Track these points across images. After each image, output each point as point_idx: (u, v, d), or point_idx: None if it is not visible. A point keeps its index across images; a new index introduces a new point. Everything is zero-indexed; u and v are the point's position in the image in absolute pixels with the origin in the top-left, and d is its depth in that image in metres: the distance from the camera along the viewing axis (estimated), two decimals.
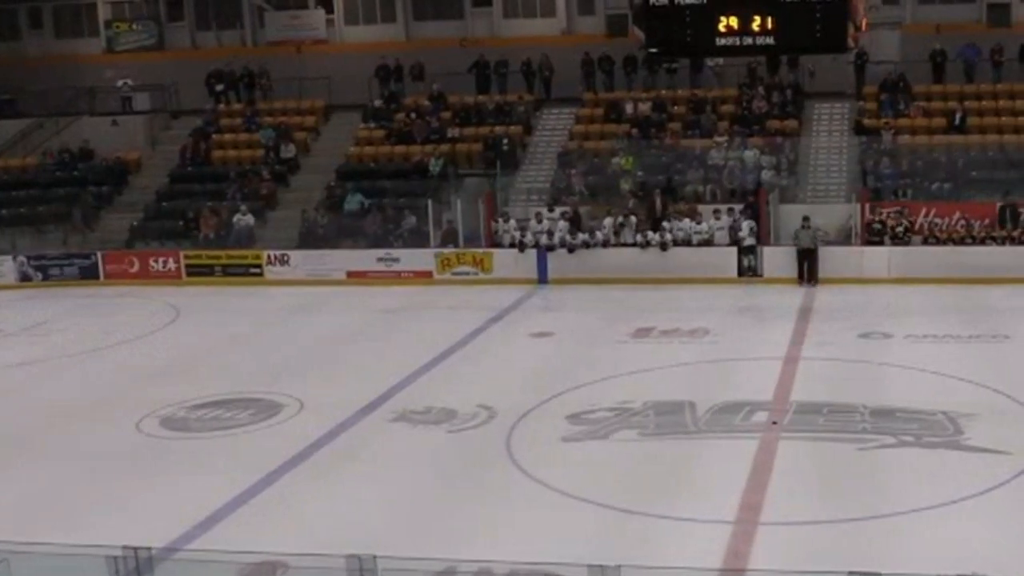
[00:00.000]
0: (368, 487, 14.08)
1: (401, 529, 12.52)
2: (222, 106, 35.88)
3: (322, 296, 26.47)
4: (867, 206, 26.94)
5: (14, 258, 29.93)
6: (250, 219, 30.12)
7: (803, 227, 26.02)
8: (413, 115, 33.35)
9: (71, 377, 20.51)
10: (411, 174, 31.40)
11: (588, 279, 26.38)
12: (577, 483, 13.69)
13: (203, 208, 30.68)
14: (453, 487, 13.99)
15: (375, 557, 8.93)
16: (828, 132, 31.45)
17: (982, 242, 26.07)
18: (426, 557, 10.28)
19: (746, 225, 26.70)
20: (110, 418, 17.45)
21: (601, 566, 8.56)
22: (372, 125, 33.84)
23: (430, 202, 28.75)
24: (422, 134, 32.61)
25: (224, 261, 29.16)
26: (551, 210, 28.19)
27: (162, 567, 10.15)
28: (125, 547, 9.16)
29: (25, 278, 29.83)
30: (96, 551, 9.23)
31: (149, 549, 9.64)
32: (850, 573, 8.60)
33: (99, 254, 29.95)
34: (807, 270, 25.76)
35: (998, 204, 26.51)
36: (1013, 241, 25.84)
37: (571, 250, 27.05)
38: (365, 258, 28.37)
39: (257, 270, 28.73)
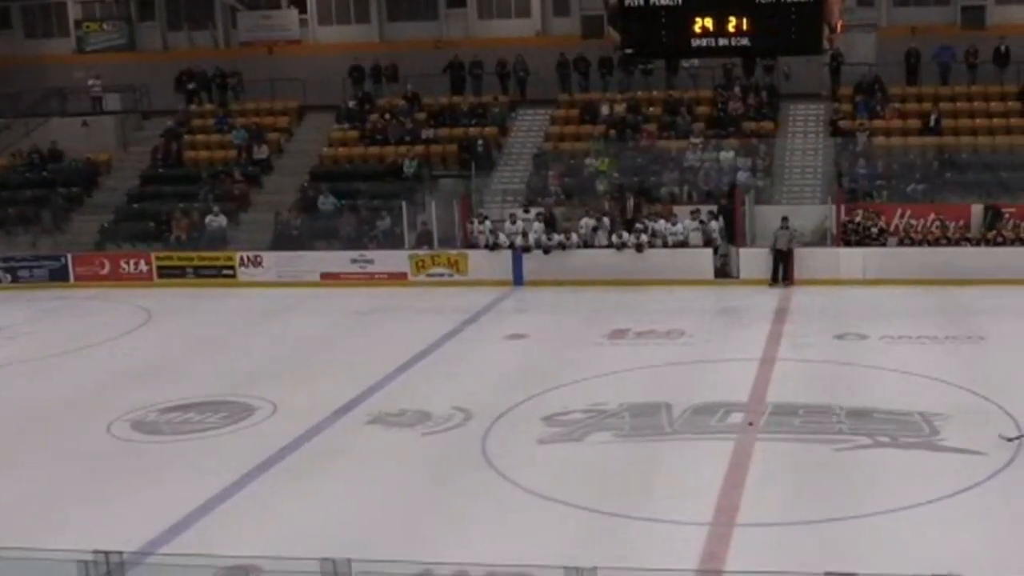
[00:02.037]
0: (343, 490, 14.05)
1: (376, 532, 12.49)
2: (194, 107, 35.78)
3: (296, 298, 26.41)
4: (842, 207, 27.08)
5: None
6: (222, 220, 30.03)
7: (782, 227, 26.12)
8: (387, 116, 33.34)
9: (40, 380, 20.38)
10: (385, 175, 31.39)
11: (563, 280, 26.43)
12: (553, 485, 13.71)
13: (175, 210, 30.55)
14: (428, 489, 13.96)
15: (349, 561, 8.92)
16: (804, 133, 31.61)
17: (957, 243, 26.24)
18: (402, 559, 10.27)
19: (715, 226, 26.83)
20: (81, 421, 17.36)
21: (577, 568, 8.57)
22: (346, 126, 33.83)
23: (404, 203, 28.74)
24: (396, 135, 32.60)
25: (196, 263, 29.05)
26: (526, 211, 28.23)
27: (134, 572, 10.09)
28: (96, 551, 9.11)
29: None
30: (67, 555, 9.18)
31: (120, 553, 9.58)
32: (826, 574, 8.63)
33: (69, 256, 29.78)
34: (782, 271, 25.86)
35: (983, 205, 26.68)
36: (988, 243, 26.02)
37: (547, 251, 27.09)
38: (339, 260, 28.33)
39: (230, 272, 28.63)
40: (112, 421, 17.19)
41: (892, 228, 26.83)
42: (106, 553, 9.14)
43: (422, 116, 33.33)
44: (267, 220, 30.37)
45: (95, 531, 12.10)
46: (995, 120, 30.64)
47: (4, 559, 9.13)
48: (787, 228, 26.03)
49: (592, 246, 27.23)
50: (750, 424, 15.84)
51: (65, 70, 37.22)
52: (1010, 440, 14.59)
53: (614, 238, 27.06)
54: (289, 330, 23.36)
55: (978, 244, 26.14)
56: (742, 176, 28.96)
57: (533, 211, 28.23)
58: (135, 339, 23.42)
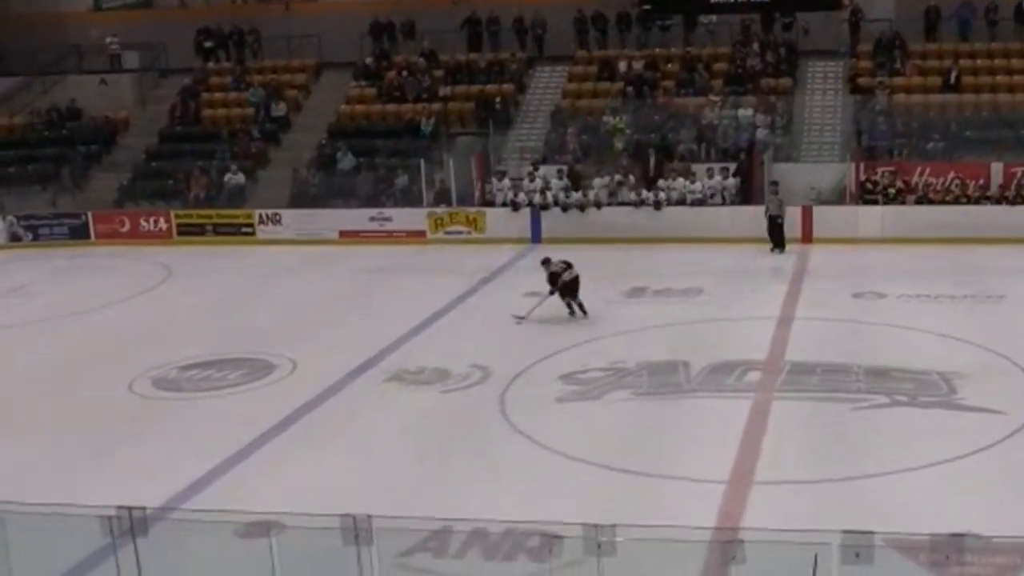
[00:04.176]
0: (362, 447, 14.13)
1: (395, 489, 12.56)
2: (211, 64, 35.64)
3: (314, 256, 26.43)
4: (861, 165, 26.92)
5: (3, 218, 29.85)
6: (241, 178, 30.04)
7: (771, 193, 25.94)
8: (404, 73, 33.18)
9: (61, 338, 20.48)
10: (403, 133, 31.28)
11: (581, 238, 26.34)
12: (571, 443, 13.75)
13: (193, 168, 30.57)
14: (447, 447, 14.03)
15: (370, 517, 8.95)
16: (822, 91, 31.34)
17: (976, 202, 26.07)
18: (421, 516, 10.32)
19: (731, 183, 26.75)
20: (103, 378, 17.48)
21: (596, 525, 8.59)
22: (363, 84, 33.65)
23: (422, 161, 28.68)
24: (414, 93, 32.45)
25: (215, 221, 29.10)
26: (535, 168, 28.08)
27: (156, 527, 10.16)
28: (119, 507, 9.16)
29: (15, 238, 29.77)
30: (90, 511, 9.25)
31: (143, 509, 9.64)
32: (844, 532, 8.64)
33: (89, 214, 29.86)
34: (775, 237, 25.41)
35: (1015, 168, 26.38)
36: (1008, 201, 25.84)
37: (565, 209, 27.04)
38: (357, 218, 28.33)
39: (249, 230, 28.66)
40: (134, 378, 17.29)
41: (911, 187, 26.66)
42: (129, 509, 9.18)
43: (439, 73, 33.17)
44: (285, 178, 30.36)
45: (117, 487, 12.15)
46: (1015, 77, 30.28)
47: (27, 515, 9.20)
48: (776, 194, 25.73)
49: (610, 204, 27.15)
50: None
51: (83, 27, 37.02)
52: None
53: (633, 196, 26.99)
54: (308, 288, 23.38)
55: (998, 203, 25.96)
56: (760, 134, 28.80)
57: (543, 168, 28.13)
58: (155, 297, 23.50)
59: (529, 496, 12.17)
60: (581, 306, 19.88)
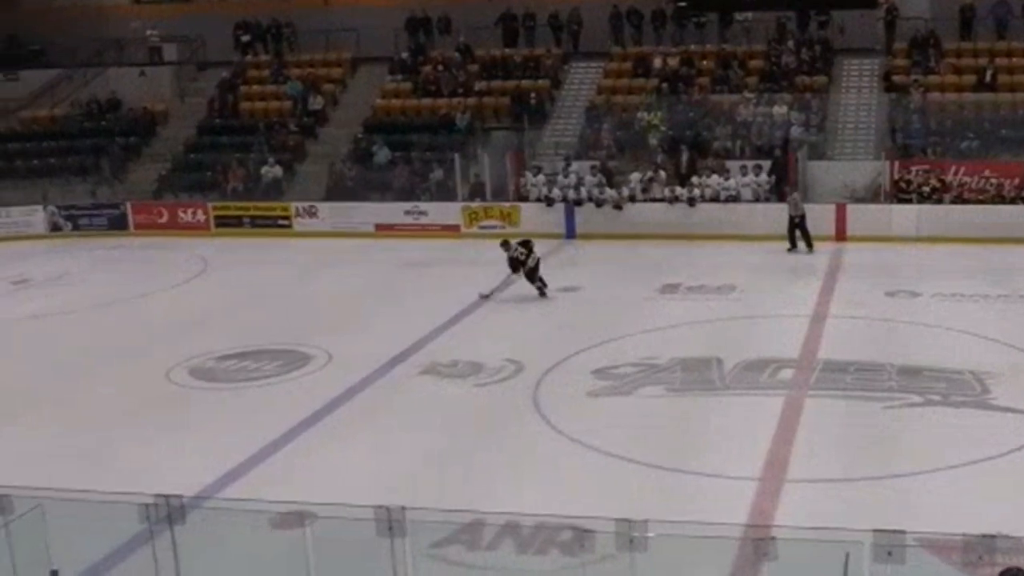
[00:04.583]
0: (395, 440, 14.14)
1: (428, 481, 12.57)
2: (249, 58, 35.81)
3: (350, 249, 26.52)
4: (896, 164, 26.74)
5: (44, 208, 30.12)
6: (278, 171, 30.18)
7: (790, 193, 25.72)
8: (440, 68, 33.22)
9: (100, 327, 20.66)
10: (438, 127, 31.33)
11: (615, 234, 26.34)
12: (603, 438, 13.73)
13: (231, 160, 30.72)
14: (480, 440, 14.04)
15: (403, 508, 8.97)
16: (857, 89, 31.15)
17: (1012, 201, 25.85)
18: (454, 509, 10.33)
19: (765, 181, 26.64)
20: (140, 367, 17.60)
21: (628, 520, 8.58)
22: (399, 78, 33.73)
23: (457, 156, 28.71)
24: (449, 87, 32.49)
25: (252, 213, 29.26)
26: (567, 164, 28.04)
27: (193, 515, 10.22)
28: (157, 495, 9.20)
29: (55, 228, 30.04)
30: (129, 499, 9.31)
31: (180, 497, 9.69)
32: (875, 531, 8.59)
33: (128, 205, 30.10)
34: (797, 236, 25.12)
35: None
36: None
37: (599, 205, 27.01)
38: (393, 211, 28.40)
39: (285, 222, 28.79)
40: (171, 368, 17.41)
41: (946, 186, 26.46)
42: (167, 497, 9.23)
43: (475, 68, 33.20)
44: (322, 171, 30.48)
45: (153, 475, 12.22)
46: None
47: (67, 502, 9.28)
48: (793, 196, 25.40)
49: (644, 200, 27.10)
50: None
51: (123, 21, 37.26)
52: None
53: (667, 192, 26.93)
54: (344, 280, 23.45)
55: None
56: (795, 131, 28.66)
57: (577, 164, 28.08)
58: (193, 287, 23.64)
59: (561, 490, 12.17)
60: (542, 283, 21.11)
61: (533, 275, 21.05)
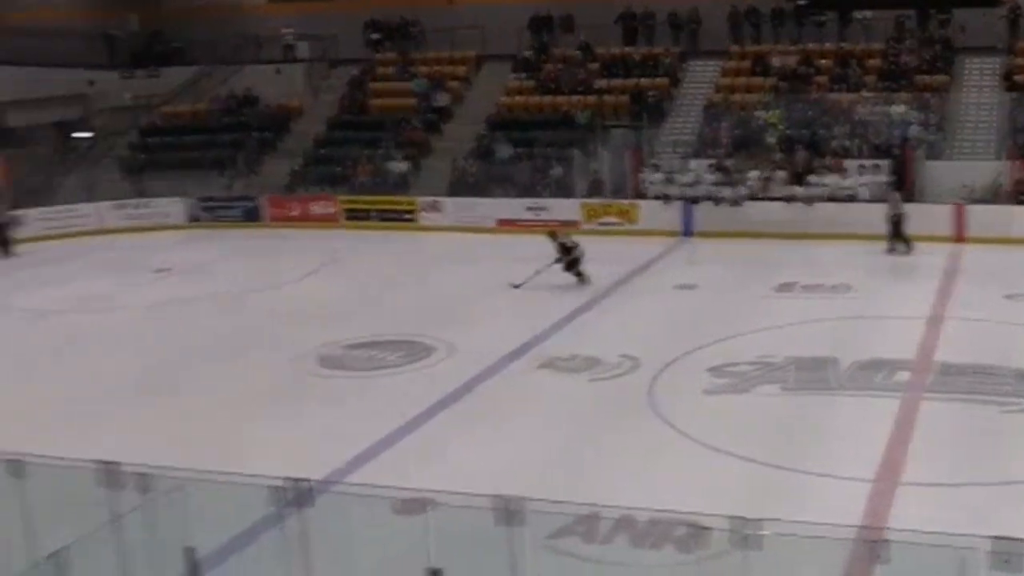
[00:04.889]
0: (513, 431, 14.20)
1: (544, 473, 12.59)
2: (378, 56, 36.20)
3: (472, 243, 26.66)
4: (1017, 164, 25.95)
5: (185, 200, 30.89)
6: (403, 166, 30.49)
7: (890, 192, 25.09)
8: (561, 66, 33.21)
9: (233, 314, 21.14)
10: (559, 125, 31.33)
11: (732, 232, 26.02)
12: (717, 435, 13.60)
13: (359, 155, 31.12)
14: (595, 435, 14.01)
15: (521, 498, 9.01)
16: (978, 88, 30.26)
17: None
18: (571, 501, 10.34)
19: (883, 180, 26.07)
20: (272, 354, 17.97)
21: (742, 518, 8.50)
22: (522, 76, 33.80)
23: (577, 153, 28.67)
24: (570, 85, 32.46)
25: (379, 206, 29.59)
26: (686, 161, 27.78)
27: (320, 499, 10.39)
28: (287, 478, 9.38)
29: (194, 219, 30.82)
30: (259, 481, 9.49)
31: (309, 481, 9.87)
32: (992, 537, 8.37)
33: (262, 198, 30.69)
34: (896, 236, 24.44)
35: None
36: None
37: (716, 203, 26.75)
38: (514, 206, 28.45)
39: (410, 216, 29.06)
40: (301, 355, 17.72)
41: None
42: (296, 480, 9.39)
43: (595, 66, 33.11)
44: (446, 166, 30.69)
45: (282, 459, 12.41)
46: None
47: (202, 482, 9.50)
48: (894, 195, 24.75)
49: (761, 198, 26.75)
50: None
51: (261, 19, 37.97)
52: None
53: (784, 191, 26.54)
54: (466, 273, 23.58)
55: None
56: (914, 130, 28.00)
57: (695, 162, 27.82)
58: (321, 278, 23.99)
59: (675, 486, 12.08)
60: (581, 273, 21.88)
61: (575, 264, 21.78)
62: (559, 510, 9.78)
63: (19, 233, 28.48)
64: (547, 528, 9.67)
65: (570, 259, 21.71)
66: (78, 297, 23.00)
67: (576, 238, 22.40)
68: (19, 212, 28.96)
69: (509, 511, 8.92)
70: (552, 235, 22.21)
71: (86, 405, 15.91)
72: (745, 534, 8.24)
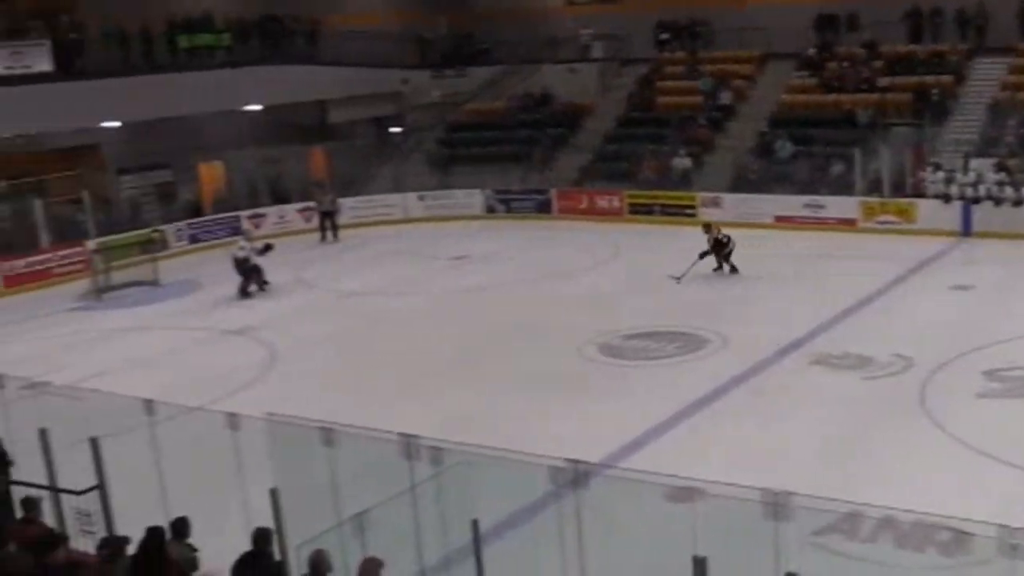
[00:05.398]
0: (782, 426, 14.05)
1: (811, 469, 12.42)
2: (667, 55, 36.15)
3: (749, 238, 26.11)
4: None
5: (483, 192, 31.91)
6: (687, 162, 30.39)
7: None
8: (845, 64, 32.21)
9: (525, 301, 21.71)
10: (840, 123, 30.39)
11: (1013, 233, 24.50)
12: (988, 440, 13.02)
13: (645, 151, 31.24)
14: (865, 433, 13.69)
15: (789, 494, 8.96)
16: None
17: None
18: (836, 498, 10.19)
19: None
20: (557, 340, 18.40)
21: (1009, 526, 8.17)
22: (805, 74, 32.99)
23: (857, 151, 27.75)
24: (853, 84, 31.45)
25: (662, 201, 29.58)
26: (968, 160, 26.37)
27: (595, 482, 10.63)
28: (567, 459, 9.63)
29: (490, 210, 31.77)
30: (541, 461, 9.80)
31: (587, 463, 10.10)
32: None
33: (553, 191, 31.29)
34: None
35: None
36: None
37: (997, 203, 25.32)
38: (792, 204, 27.81)
39: (692, 211, 28.92)
40: (582, 343, 18.09)
41: None
42: (575, 462, 9.63)
43: (879, 64, 31.91)
44: (728, 163, 30.38)
45: (562, 440, 12.64)
46: None
47: (488, 458, 9.88)
48: None
49: None
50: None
51: (559, 21, 38.46)
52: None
53: None
54: (742, 269, 23.25)
55: None
56: None
57: (976, 161, 26.37)
58: (606, 270, 24.26)
59: (941, 490, 11.68)
60: (734, 265, 22.74)
61: (728, 257, 22.69)
62: (824, 507, 9.65)
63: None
64: (812, 524, 9.58)
65: (726, 252, 22.61)
66: (386, 281, 24.27)
67: (727, 232, 23.18)
68: (339, 201, 30.73)
69: (776, 505, 8.89)
70: (707, 228, 23.13)
71: (388, 380, 16.85)
72: (1013, 543, 7.94)
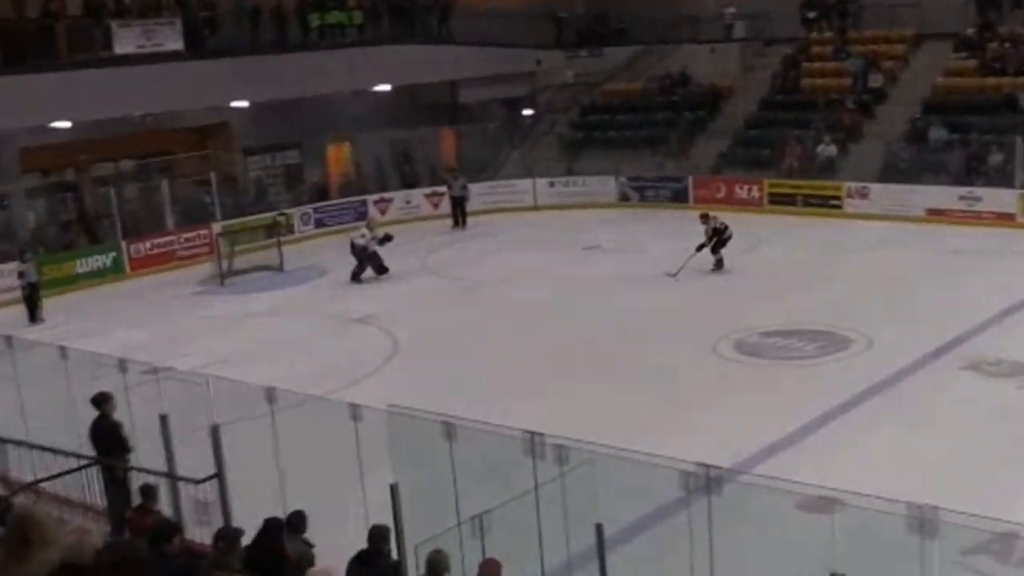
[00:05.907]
0: (929, 435, 13.68)
1: (958, 483, 12.01)
2: (813, 34, 35.40)
3: (899, 232, 25.57)
4: None
5: (616, 178, 31.72)
6: (833, 150, 29.72)
7: None
8: (1007, 45, 31.07)
9: (657, 294, 21.57)
10: (1000, 108, 29.35)
11: None
12: None
13: (788, 137, 30.66)
14: (1019, 447, 13.22)
15: (936, 508, 8.71)
16: None
17: None
18: (987, 516, 9.88)
19: None
20: (691, 336, 18.25)
21: None
22: (963, 55, 31.93)
23: (1018, 139, 26.75)
24: (1016, 66, 30.33)
25: (805, 192, 28.99)
26: None
27: (728, 487, 10.48)
28: (698, 464, 9.52)
29: (624, 198, 31.59)
30: (672, 464, 9.71)
31: (719, 468, 9.97)
32: None
33: (690, 179, 30.94)
34: None
35: None
36: None
37: None
38: (946, 196, 26.92)
39: (836, 202, 28.28)
40: (718, 339, 17.88)
41: None
42: (707, 467, 9.52)
43: None
44: (876, 151, 29.58)
45: (693, 442, 12.59)
46: None
47: (615, 459, 9.82)
48: None
49: None
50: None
51: None
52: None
53: None
54: (891, 265, 22.66)
55: None
56: None
57: None
58: (744, 263, 23.82)
59: None
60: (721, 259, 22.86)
61: (719, 247, 22.80)
62: (976, 524, 9.36)
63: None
64: (961, 543, 9.31)
65: (718, 240, 22.75)
66: (514, 270, 24.35)
67: (724, 220, 23.35)
68: (470, 187, 30.94)
69: (923, 520, 8.65)
70: (704, 218, 23.34)
71: (512, 374, 16.91)
72: None
